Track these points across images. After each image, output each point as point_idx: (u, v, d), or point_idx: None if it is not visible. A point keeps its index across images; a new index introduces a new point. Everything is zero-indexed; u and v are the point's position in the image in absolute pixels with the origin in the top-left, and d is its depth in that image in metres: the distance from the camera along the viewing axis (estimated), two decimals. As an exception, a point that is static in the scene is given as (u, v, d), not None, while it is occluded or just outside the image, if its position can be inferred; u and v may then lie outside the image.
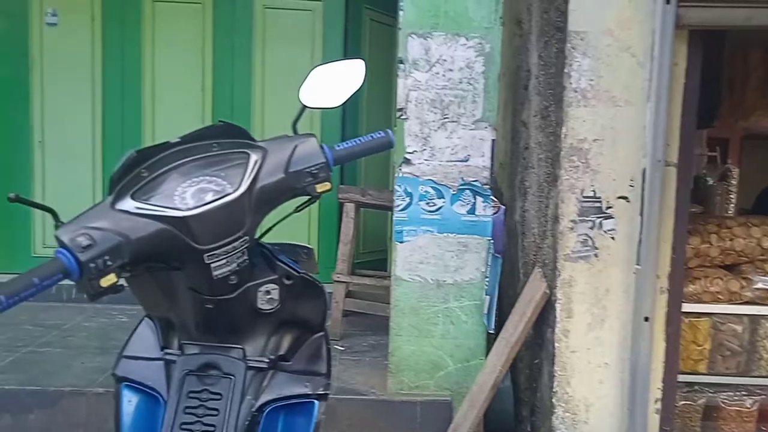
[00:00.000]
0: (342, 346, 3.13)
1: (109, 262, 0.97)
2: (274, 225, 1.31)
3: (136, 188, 1.06)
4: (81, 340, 3.13)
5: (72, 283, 0.97)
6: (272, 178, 1.14)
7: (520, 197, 2.67)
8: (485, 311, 2.54)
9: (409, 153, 2.44)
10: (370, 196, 3.44)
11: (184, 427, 1.11)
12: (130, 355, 1.23)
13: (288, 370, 1.22)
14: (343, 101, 1.23)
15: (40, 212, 3.97)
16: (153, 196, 1.06)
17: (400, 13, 2.42)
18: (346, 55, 4.16)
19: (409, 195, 2.47)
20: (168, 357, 1.18)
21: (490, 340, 2.58)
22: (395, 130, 3.57)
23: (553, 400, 2.14)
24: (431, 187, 2.47)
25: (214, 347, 1.16)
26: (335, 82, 1.23)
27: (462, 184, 2.46)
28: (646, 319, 2.04)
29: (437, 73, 2.42)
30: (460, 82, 2.42)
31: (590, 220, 2.06)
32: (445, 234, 2.48)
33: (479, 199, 2.47)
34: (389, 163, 4.13)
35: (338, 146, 1.22)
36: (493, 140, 2.45)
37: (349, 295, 3.38)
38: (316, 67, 1.24)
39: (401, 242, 2.50)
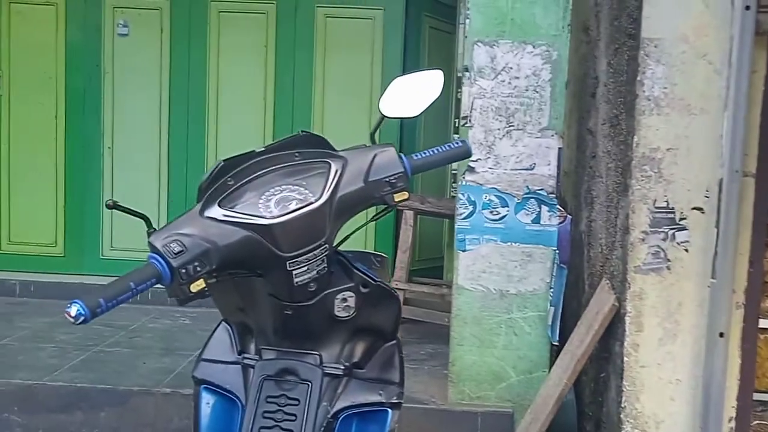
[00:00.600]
0: (400, 354, 3.13)
1: (198, 268, 0.99)
2: (351, 233, 1.32)
3: (223, 196, 1.09)
4: (147, 341, 3.22)
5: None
6: (352, 187, 1.15)
7: (586, 207, 2.62)
8: (549, 322, 2.50)
9: (473, 161, 2.43)
10: (429, 204, 3.44)
11: (262, 431, 1.12)
12: (209, 359, 1.26)
13: (362, 377, 1.22)
14: (421, 111, 1.24)
15: (108, 217, 4.17)
16: (239, 204, 1.09)
17: (467, 21, 2.42)
18: (405, 62, 4.18)
19: (473, 203, 2.46)
20: (246, 361, 1.20)
21: (554, 352, 2.54)
22: (455, 139, 3.58)
23: (621, 416, 2.09)
24: (495, 195, 2.45)
25: (291, 353, 1.18)
26: (414, 93, 1.23)
27: (527, 193, 2.44)
28: (721, 334, 1.97)
29: (503, 81, 2.41)
30: (526, 90, 2.40)
31: (663, 232, 2.00)
32: (509, 243, 2.46)
33: (544, 208, 2.43)
34: (447, 171, 4.12)
35: (416, 156, 1.23)
36: (560, 148, 2.42)
37: (405, 302, 3.38)
38: (396, 77, 1.25)
39: (463, 251, 2.48)
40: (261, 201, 1.09)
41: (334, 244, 1.18)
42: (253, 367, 1.18)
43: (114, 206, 1.04)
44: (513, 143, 2.42)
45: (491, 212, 2.45)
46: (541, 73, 2.39)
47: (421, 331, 3.40)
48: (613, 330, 2.16)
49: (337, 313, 1.17)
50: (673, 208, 1.99)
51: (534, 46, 2.39)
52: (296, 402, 1.14)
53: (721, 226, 1.93)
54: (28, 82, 4.19)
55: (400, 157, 1.19)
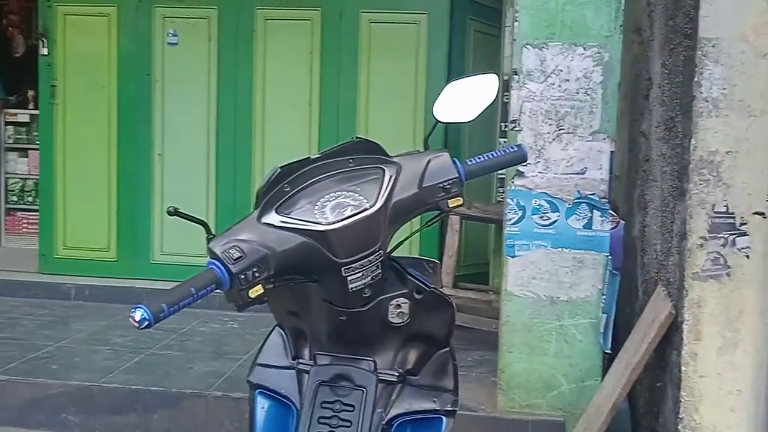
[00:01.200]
0: (447, 360, 3.11)
1: (257, 274, 1.00)
2: (405, 239, 1.32)
3: (280, 203, 1.10)
4: (197, 345, 3.27)
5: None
6: (406, 193, 1.14)
7: (640, 211, 2.56)
8: (601, 330, 2.44)
9: (522, 165, 2.39)
10: (476, 209, 3.41)
11: None
12: (264, 363, 1.27)
13: (416, 384, 1.21)
14: (476, 116, 1.22)
15: (158, 222, 4.26)
16: (295, 210, 1.09)
17: (515, 24, 2.39)
18: (450, 67, 4.17)
19: (522, 208, 2.43)
20: (301, 367, 1.21)
21: (606, 360, 2.48)
22: (503, 143, 3.54)
23: (679, 427, 2.02)
24: (545, 200, 2.41)
25: (346, 358, 1.17)
26: (468, 97, 1.22)
27: (578, 198, 2.39)
28: (785, 344, 1.89)
29: (553, 84, 2.37)
30: (577, 93, 2.35)
31: (722, 237, 1.93)
32: (560, 249, 2.41)
33: (596, 213, 2.38)
34: (493, 175, 4.08)
35: (471, 161, 1.21)
36: (612, 152, 2.36)
37: (452, 308, 3.35)
38: (450, 82, 1.24)
39: (513, 257, 2.45)
40: (316, 207, 1.10)
41: (388, 250, 1.17)
42: (307, 372, 1.18)
43: (175, 213, 1.06)
44: (563, 147, 2.38)
45: (541, 217, 2.41)
46: (592, 75, 2.34)
47: (468, 337, 3.37)
48: (670, 338, 2.10)
49: (391, 320, 1.17)
50: (733, 213, 1.93)
51: (585, 48, 2.34)
52: (351, 408, 1.14)
53: (785, 232, 1.85)
54: (82, 92, 4.33)
55: (454, 162, 1.18)
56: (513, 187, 2.42)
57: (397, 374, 1.18)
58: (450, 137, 4.15)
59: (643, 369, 2.27)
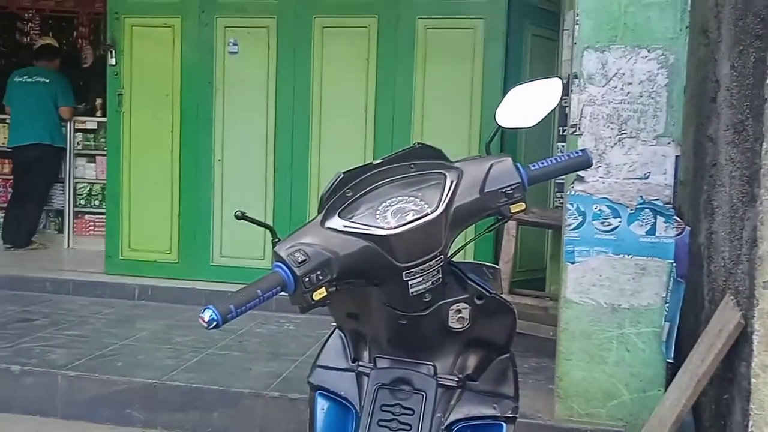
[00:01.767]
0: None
1: (320, 277, 1.02)
2: (465, 244, 1.31)
3: (343, 207, 1.11)
4: (255, 345, 3.34)
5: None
6: (468, 198, 1.14)
7: (706, 218, 2.48)
8: (664, 339, 2.37)
9: (583, 170, 2.35)
10: (533, 214, 3.36)
11: None
12: (324, 365, 1.28)
13: (475, 390, 1.21)
14: (539, 121, 1.21)
15: (218, 225, 4.36)
16: (357, 215, 1.11)
17: (575, 27, 2.35)
18: (507, 71, 4.13)
19: (582, 214, 2.38)
20: (361, 369, 1.22)
21: (669, 370, 2.40)
22: (562, 147, 3.48)
23: (748, 442, 1.94)
24: (606, 205, 2.36)
25: (406, 362, 1.18)
26: (531, 102, 1.21)
27: (641, 203, 2.33)
28: None
29: (615, 87, 2.32)
30: (640, 96, 2.30)
31: (796, 245, 1.85)
32: (621, 255, 2.35)
33: (660, 219, 2.32)
34: (551, 180, 4.02)
35: (533, 166, 1.20)
36: (677, 156, 2.30)
37: (508, 314, 3.31)
38: (509, 87, 1.23)
39: (572, 263, 2.41)
40: (378, 212, 1.11)
41: (449, 255, 1.17)
42: (367, 375, 1.19)
43: (242, 217, 1.09)
44: (626, 151, 2.33)
45: (602, 223, 2.36)
46: (656, 78, 2.28)
47: (524, 344, 3.32)
48: (738, 349, 2.02)
49: (451, 325, 1.17)
50: (807, 220, 1.84)
51: (649, 51, 2.29)
52: (411, 412, 1.14)
53: None
54: (147, 100, 4.49)
55: (516, 167, 1.17)
56: (573, 192, 2.38)
57: (456, 379, 1.18)
58: (506, 142, 4.12)
59: (709, 380, 2.19)
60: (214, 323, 0.93)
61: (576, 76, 2.36)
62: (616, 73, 2.31)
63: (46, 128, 5.43)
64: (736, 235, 2.10)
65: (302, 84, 4.30)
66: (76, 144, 5.76)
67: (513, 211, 1.17)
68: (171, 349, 3.20)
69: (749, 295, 1.94)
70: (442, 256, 1.12)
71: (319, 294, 1.02)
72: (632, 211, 2.34)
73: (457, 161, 1.18)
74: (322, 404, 1.26)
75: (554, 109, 1.23)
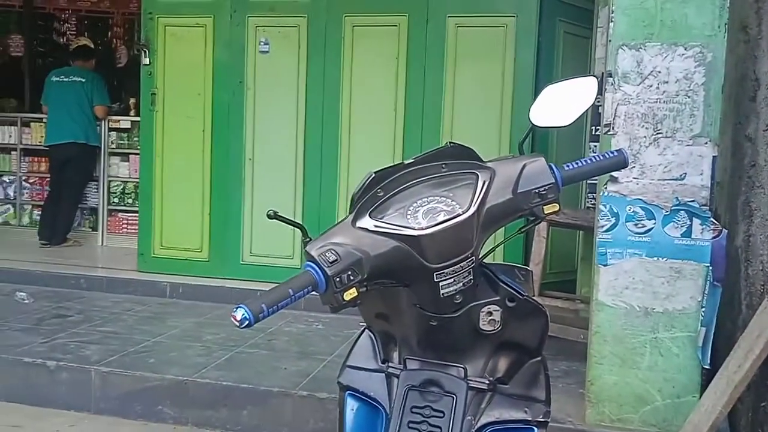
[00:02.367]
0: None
1: (351, 277, 1.01)
2: (497, 245, 1.30)
3: (374, 207, 1.10)
4: (283, 344, 3.35)
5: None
6: (500, 198, 1.13)
7: (744, 220, 2.41)
8: (699, 344, 2.32)
9: (618, 170, 2.31)
10: (564, 215, 3.32)
11: None
12: (353, 365, 1.27)
13: (506, 393, 1.19)
14: (574, 120, 1.19)
15: (248, 224, 4.40)
16: (388, 215, 1.10)
17: (610, 24, 2.31)
18: (538, 70, 4.09)
19: (615, 215, 2.34)
20: (391, 370, 1.21)
21: (704, 376, 2.35)
22: (595, 147, 3.43)
23: (788, 451, 1.89)
24: (640, 207, 2.31)
25: (436, 364, 1.17)
26: (566, 101, 1.19)
27: (676, 205, 2.28)
28: None
29: (650, 86, 2.27)
30: (677, 95, 2.25)
31: (840, 249, 1.80)
32: (656, 258, 2.31)
33: (696, 221, 2.27)
34: (583, 181, 3.97)
35: (568, 166, 1.18)
36: (714, 157, 2.24)
37: (538, 317, 3.27)
38: (547, 86, 1.21)
39: (605, 265, 2.37)
40: (409, 212, 1.10)
41: (480, 256, 1.16)
42: (397, 376, 1.19)
43: (275, 216, 1.09)
44: (661, 152, 2.28)
45: (636, 225, 2.32)
46: (693, 76, 2.23)
47: (555, 347, 3.28)
48: (778, 356, 1.97)
49: (482, 327, 1.15)
50: None
51: (686, 48, 2.23)
52: (441, 414, 1.13)
53: None
54: (179, 99, 4.54)
55: (550, 167, 1.15)
56: (606, 193, 2.34)
57: (487, 382, 1.17)
58: (537, 141, 4.07)
59: (746, 387, 2.14)
60: (247, 322, 0.93)
61: (610, 75, 2.32)
62: (651, 72, 2.27)
63: (81, 127, 5.54)
64: (776, 238, 2.04)
65: (332, 83, 4.31)
66: (110, 143, 5.86)
67: (546, 212, 1.15)
68: (201, 346, 3.23)
69: (790, 299, 1.89)
70: (473, 257, 1.10)
71: (350, 294, 1.01)
72: (667, 213, 2.30)
73: (489, 161, 1.17)
74: (351, 405, 1.26)
75: (589, 108, 1.20)
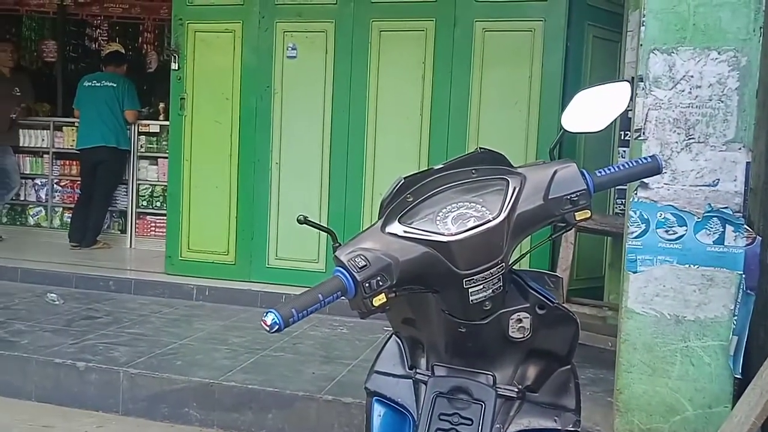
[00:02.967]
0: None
1: (380, 283, 1.01)
2: (527, 252, 1.29)
3: (403, 212, 1.10)
4: (308, 348, 3.36)
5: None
6: (531, 204, 1.12)
7: (779, 227, 2.36)
8: (731, 353, 2.27)
9: (651, 177, 2.27)
10: (592, 221, 3.27)
11: None
12: (381, 371, 1.27)
13: (535, 401, 1.18)
14: (606, 126, 1.17)
15: (274, 228, 4.42)
16: (417, 220, 1.09)
17: (641, 28, 2.28)
18: (566, 74, 4.05)
19: (645, 221, 2.30)
20: (419, 377, 1.20)
21: (736, 385, 2.30)
22: (624, 152, 3.39)
23: (825, 466, 1.84)
24: (671, 213, 2.27)
25: (464, 371, 1.16)
26: (599, 106, 1.17)
27: (708, 211, 2.24)
28: None
29: (682, 91, 2.24)
30: (710, 100, 2.21)
31: None
32: (687, 265, 2.27)
33: (729, 228, 2.22)
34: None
35: (600, 172, 1.17)
36: (748, 163, 2.20)
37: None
38: (580, 91, 1.19)
39: (635, 272, 2.33)
40: (439, 218, 1.10)
41: (510, 263, 1.15)
42: (425, 382, 1.18)
43: (305, 221, 1.09)
44: (693, 157, 2.24)
45: (667, 231, 2.28)
46: (727, 81, 2.19)
47: (582, 354, 3.24)
48: (815, 367, 1.92)
49: (511, 334, 1.14)
50: None
51: (719, 52, 2.20)
52: (469, 422, 1.12)
53: None
54: (207, 103, 4.59)
55: (582, 173, 1.14)
56: (636, 199, 2.31)
57: (516, 390, 1.16)
58: (565, 146, 4.02)
59: (782, 399, 2.09)
60: (277, 327, 0.93)
61: (641, 79, 2.29)
62: (684, 76, 2.23)
63: (112, 131, 5.63)
64: (813, 246, 1.99)
65: (359, 87, 4.32)
66: (139, 146, 5.95)
67: (578, 218, 1.14)
68: (227, 349, 3.26)
69: (828, 309, 1.84)
70: (503, 263, 1.10)
71: (379, 300, 1.01)
72: (699, 220, 2.25)
73: (519, 167, 1.16)
74: (378, 410, 1.26)
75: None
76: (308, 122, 4.41)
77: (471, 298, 1.09)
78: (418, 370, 1.21)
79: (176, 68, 4.62)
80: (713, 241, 2.25)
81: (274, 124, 4.46)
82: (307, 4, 4.37)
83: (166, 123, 5.28)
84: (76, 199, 5.99)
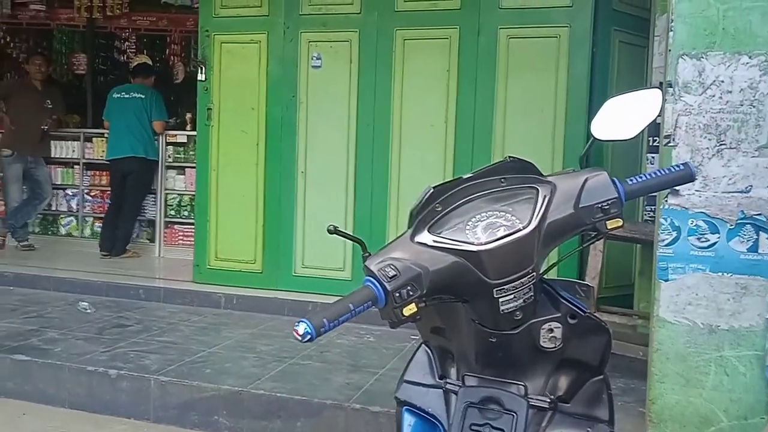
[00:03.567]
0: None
1: (411, 292, 1.01)
2: (558, 261, 1.28)
3: (432, 222, 1.10)
4: (336, 356, 3.37)
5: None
6: (561, 213, 1.11)
7: (815, 234, 2.31)
8: (767, 363, 2.22)
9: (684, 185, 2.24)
10: (621, 229, 3.23)
11: None
12: (411, 381, 1.27)
13: (568, 412, 1.17)
14: (637, 133, 1.17)
15: (300, 236, 4.45)
16: (447, 230, 1.10)
17: (670, 33, 2.26)
18: (593, 80, 4.02)
19: (677, 229, 2.27)
20: (449, 387, 1.20)
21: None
22: (653, 159, 3.35)
23: None
24: (703, 220, 2.24)
25: (495, 381, 1.16)
26: (629, 114, 1.17)
27: (741, 218, 2.20)
28: None
29: (712, 96, 2.21)
30: (741, 105, 2.18)
31: None
32: (720, 273, 2.23)
33: (763, 235, 2.18)
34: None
35: (631, 180, 1.16)
36: (782, 169, 2.16)
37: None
38: (609, 98, 1.19)
39: (666, 280, 2.30)
40: (468, 227, 1.09)
41: (541, 272, 1.14)
42: (455, 392, 1.18)
43: (335, 231, 1.10)
44: (725, 163, 2.21)
45: (698, 239, 2.24)
46: (758, 85, 2.16)
47: (612, 363, 3.12)
48: None
49: (542, 344, 1.14)
50: None
51: (750, 57, 2.16)
52: (501, 432, 1.12)
53: None
54: (234, 114, 4.64)
55: (613, 181, 1.13)
56: (667, 206, 2.28)
57: (548, 400, 1.15)
58: (592, 153, 3.98)
59: (821, 410, 2.04)
60: (309, 336, 0.94)
61: (670, 85, 2.26)
62: (714, 81, 2.20)
63: (140, 142, 5.72)
64: None
65: (383, 96, 4.33)
66: (167, 157, 6.03)
67: (609, 227, 1.13)
68: (255, 357, 3.28)
69: None
70: (534, 273, 1.09)
71: (410, 309, 1.01)
72: (732, 227, 2.22)
73: (549, 175, 1.16)
74: (409, 420, 1.26)
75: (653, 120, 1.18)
76: (333, 131, 4.43)
77: (501, 307, 1.08)
78: (448, 380, 1.21)
79: (203, 79, 4.68)
80: (747, 249, 2.21)
81: (299, 133, 4.50)
82: (331, 14, 4.40)
83: (194, 133, 5.35)
84: (105, 208, 6.09)
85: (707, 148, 2.23)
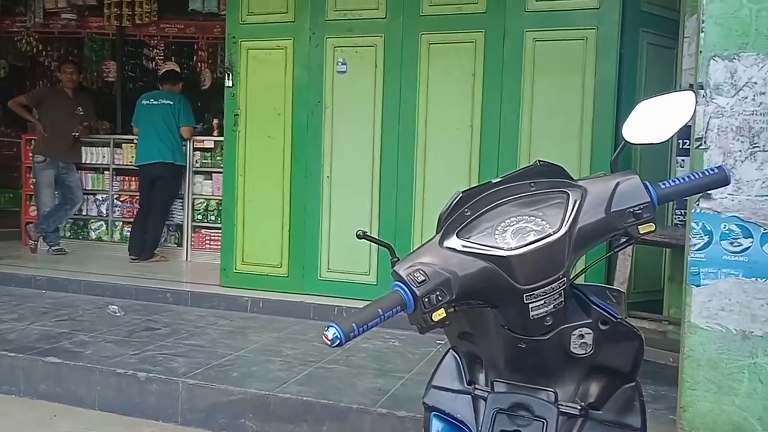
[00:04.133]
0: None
1: (440, 297, 1.01)
2: (588, 266, 1.27)
3: (461, 227, 1.10)
4: (361, 360, 3.37)
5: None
6: (592, 218, 1.10)
7: None
8: (804, 371, 2.17)
9: (718, 188, 2.20)
10: (652, 233, 3.19)
11: None
12: (439, 386, 1.26)
13: (599, 419, 1.16)
14: (669, 136, 1.15)
15: (326, 241, 4.46)
16: (476, 235, 1.09)
17: (701, 35, 2.22)
18: (620, 83, 3.97)
19: (708, 233, 2.23)
20: (478, 392, 1.19)
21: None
22: (683, 162, 3.29)
23: None
24: (736, 224, 2.19)
25: (525, 387, 1.15)
26: (661, 117, 1.15)
27: (776, 222, 2.15)
28: None
29: (745, 98, 2.16)
30: (775, 107, 2.13)
31: None
32: (754, 279, 2.18)
33: (799, 239, 2.13)
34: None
35: (664, 184, 1.14)
36: (818, 172, 2.10)
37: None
38: (641, 101, 1.17)
39: (698, 286, 2.25)
40: (497, 232, 1.09)
41: (571, 277, 1.13)
42: (484, 398, 1.17)
43: (363, 236, 1.10)
44: (758, 166, 2.16)
45: (731, 243, 2.20)
46: (793, 86, 2.11)
47: (641, 369, 3.14)
48: None
49: (573, 350, 1.12)
50: None
51: (784, 57, 2.12)
52: (531, 439, 1.11)
53: None
54: (260, 119, 4.68)
55: (645, 185, 1.12)
56: (698, 210, 2.24)
57: (579, 407, 1.14)
58: (619, 157, 3.94)
59: None
60: (338, 341, 0.94)
61: (701, 86, 2.22)
62: (746, 83, 2.16)
63: (168, 147, 5.81)
64: None
65: (408, 101, 4.33)
66: (194, 162, 6.11)
67: (642, 231, 1.12)
68: (282, 361, 3.29)
69: None
70: (564, 278, 1.08)
71: (439, 315, 1.01)
72: (766, 231, 2.17)
73: (580, 179, 1.14)
74: (437, 425, 1.25)
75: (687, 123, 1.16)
76: (358, 136, 4.44)
77: (531, 313, 1.07)
78: (477, 386, 1.20)
79: (230, 85, 4.73)
80: (782, 254, 2.16)
81: (325, 138, 4.52)
82: (356, 19, 4.41)
83: (221, 139, 5.41)
84: (135, 213, 6.19)
85: (740, 150, 2.18)
